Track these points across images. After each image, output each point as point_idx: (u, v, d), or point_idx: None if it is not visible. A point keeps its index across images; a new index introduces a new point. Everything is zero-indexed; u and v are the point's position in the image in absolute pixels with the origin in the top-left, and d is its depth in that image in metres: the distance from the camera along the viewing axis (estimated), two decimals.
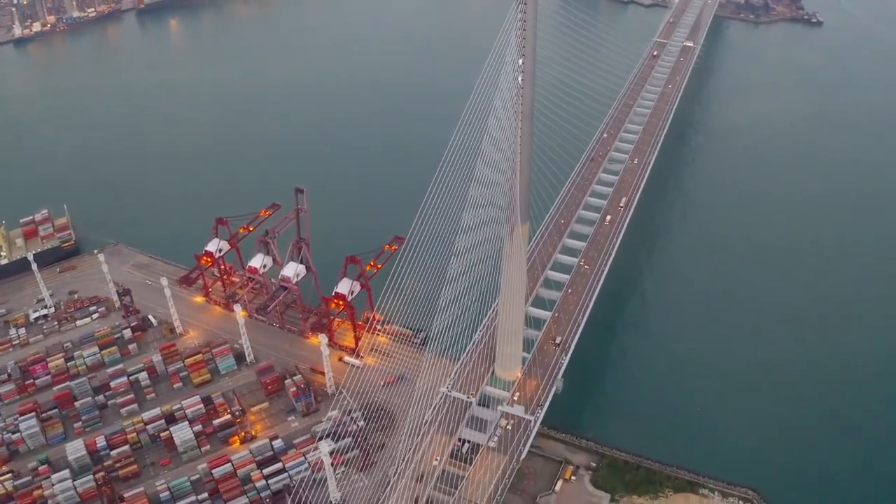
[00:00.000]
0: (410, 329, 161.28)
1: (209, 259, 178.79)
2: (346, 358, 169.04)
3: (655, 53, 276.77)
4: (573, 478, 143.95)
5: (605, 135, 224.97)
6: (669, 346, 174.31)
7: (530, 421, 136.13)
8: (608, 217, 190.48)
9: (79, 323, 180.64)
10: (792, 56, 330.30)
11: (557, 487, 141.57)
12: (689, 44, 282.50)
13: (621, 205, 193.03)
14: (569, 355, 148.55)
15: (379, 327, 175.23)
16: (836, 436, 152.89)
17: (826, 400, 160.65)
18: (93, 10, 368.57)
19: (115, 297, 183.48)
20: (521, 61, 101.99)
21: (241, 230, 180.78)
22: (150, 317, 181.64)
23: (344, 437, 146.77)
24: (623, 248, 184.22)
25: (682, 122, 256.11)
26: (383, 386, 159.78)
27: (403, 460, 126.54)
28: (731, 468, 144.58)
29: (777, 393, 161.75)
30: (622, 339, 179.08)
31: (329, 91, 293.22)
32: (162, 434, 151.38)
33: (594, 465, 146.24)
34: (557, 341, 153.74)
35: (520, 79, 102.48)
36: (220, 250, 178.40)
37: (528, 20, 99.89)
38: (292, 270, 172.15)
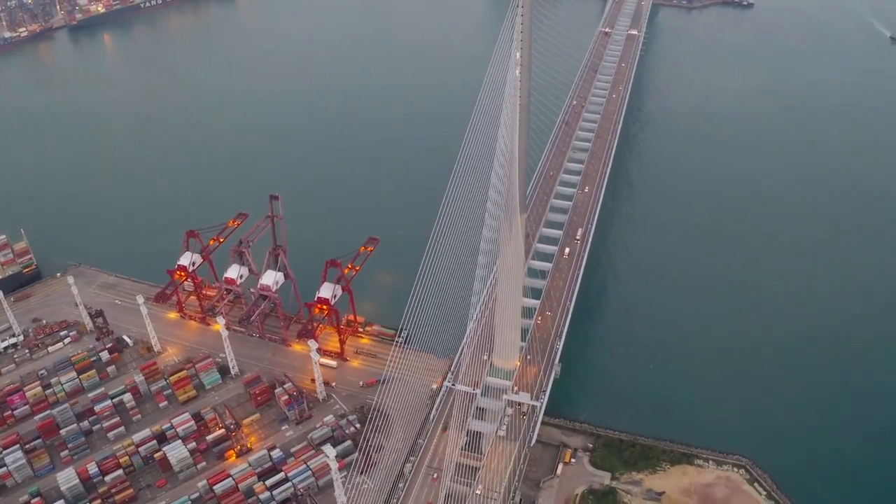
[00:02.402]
0: (393, 329, 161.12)
1: (183, 273, 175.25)
2: (323, 360, 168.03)
3: (608, 31, 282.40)
4: (573, 460, 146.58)
5: (576, 102, 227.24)
6: (652, 327, 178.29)
7: (536, 406, 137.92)
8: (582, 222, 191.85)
9: (51, 349, 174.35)
10: (727, 38, 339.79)
11: (559, 471, 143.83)
12: (633, 32, 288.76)
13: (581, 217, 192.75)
14: (563, 340, 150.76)
15: (361, 329, 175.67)
16: (820, 400, 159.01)
17: (808, 369, 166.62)
18: (24, 29, 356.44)
19: (87, 320, 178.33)
20: (518, 55, 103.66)
21: (212, 242, 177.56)
22: (125, 337, 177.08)
23: (343, 441, 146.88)
24: (597, 238, 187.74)
25: (632, 110, 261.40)
26: (362, 386, 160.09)
27: (418, 456, 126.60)
28: (722, 439, 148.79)
29: (759, 365, 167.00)
30: (605, 323, 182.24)
31: (273, 98, 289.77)
32: (155, 455, 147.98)
33: (591, 446, 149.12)
34: (525, 411, 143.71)
35: (517, 72, 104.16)
36: (194, 264, 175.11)
37: (525, 16, 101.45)
38: (271, 278, 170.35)
